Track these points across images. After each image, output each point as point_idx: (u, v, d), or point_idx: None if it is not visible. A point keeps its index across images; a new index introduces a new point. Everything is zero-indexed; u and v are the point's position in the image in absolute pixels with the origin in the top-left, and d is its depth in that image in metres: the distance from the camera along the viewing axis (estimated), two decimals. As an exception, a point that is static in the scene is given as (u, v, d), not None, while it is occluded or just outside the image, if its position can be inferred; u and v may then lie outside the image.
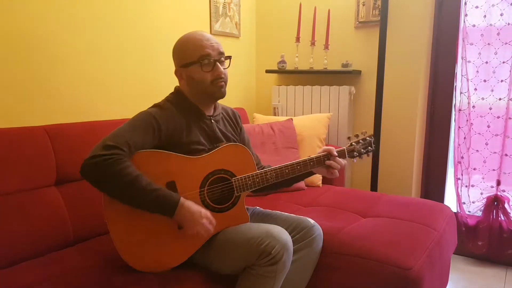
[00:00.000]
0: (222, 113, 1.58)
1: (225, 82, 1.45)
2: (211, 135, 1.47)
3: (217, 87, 1.42)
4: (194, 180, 1.36)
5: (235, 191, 1.41)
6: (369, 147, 1.58)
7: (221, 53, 1.43)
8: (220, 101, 1.54)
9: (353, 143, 1.56)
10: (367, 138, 1.58)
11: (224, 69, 1.44)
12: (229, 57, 1.48)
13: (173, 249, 1.33)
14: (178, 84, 1.51)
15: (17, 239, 1.43)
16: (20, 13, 1.63)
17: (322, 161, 1.49)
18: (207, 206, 1.38)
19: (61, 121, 1.78)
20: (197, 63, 1.39)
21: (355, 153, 1.55)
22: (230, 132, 1.57)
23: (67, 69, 1.82)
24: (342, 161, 1.50)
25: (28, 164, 1.51)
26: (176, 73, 1.47)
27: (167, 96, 1.48)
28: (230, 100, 2.84)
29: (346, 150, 1.54)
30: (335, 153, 1.49)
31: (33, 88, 1.71)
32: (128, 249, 1.29)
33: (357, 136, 1.58)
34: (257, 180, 1.43)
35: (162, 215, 1.27)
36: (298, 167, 1.47)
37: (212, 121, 1.49)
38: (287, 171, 1.46)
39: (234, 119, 1.63)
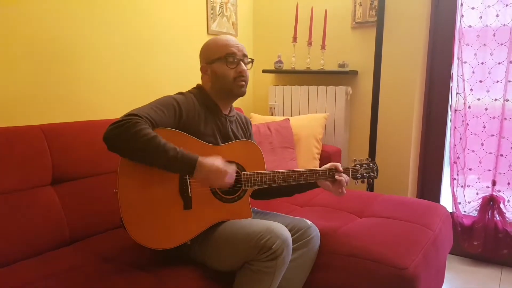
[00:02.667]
0: (236, 116, 1.64)
1: (246, 82, 1.51)
2: (224, 132, 1.52)
3: (237, 85, 1.49)
4: None
5: (243, 185, 1.45)
6: (372, 173, 1.63)
7: (245, 55, 1.51)
8: None
9: (357, 165, 1.62)
10: (371, 164, 1.64)
11: (247, 69, 1.51)
12: (252, 60, 1.56)
13: (175, 228, 1.35)
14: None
15: (13, 238, 1.42)
16: (19, 13, 1.63)
17: (327, 174, 1.54)
18: (214, 194, 1.42)
19: (58, 121, 1.77)
20: (223, 60, 1.47)
21: (358, 175, 1.61)
22: (240, 135, 1.61)
23: (64, 69, 1.82)
24: (346, 177, 1.56)
25: (24, 164, 1.51)
26: (202, 69, 1.54)
27: (189, 90, 1.54)
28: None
29: (350, 169, 1.59)
30: (341, 169, 1.54)
31: (30, 87, 1.70)
32: (132, 218, 1.30)
33: (361, 160, 1.64)
34: (265, 178, 1.47)
35: (182, 173, 1.34)
36: (304, 175, 1.51)
37: (227, 120, 1.54)
38: (293, 176, 1.50)
39: (246, 124, 1.69)
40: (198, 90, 1.54)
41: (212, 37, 1.55)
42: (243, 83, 1.50)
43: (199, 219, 1.39)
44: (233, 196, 1.45)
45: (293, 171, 1.50)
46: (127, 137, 1.23)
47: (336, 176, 1.53)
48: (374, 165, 1.65)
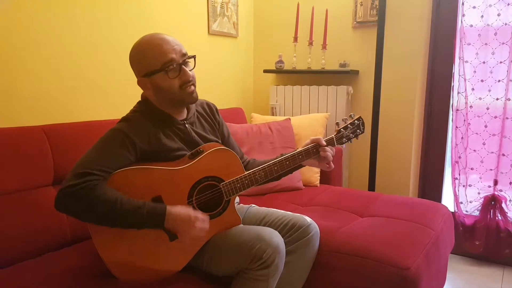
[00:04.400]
0: (196, 111, 1.50)
1: (194, 85, 1.36)
2: (187, 139, 1.40)
3: (187, 93, 1.34)
4: (180, 191, 1.32)
5: (225, 196, 1.37)
6: (358, 130, 1.52)
7: (184, 55, 1.33)
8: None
9: (341, 129, 1.50)
10: (355, 121, 1.52)
11: (190, 70, 1.34)
12: (193, 57, 1.37)
13: (165, 263, 1.29)
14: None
15: (15, 239, 1.42)
16: (17, 12, 1.63)
17: (310, 153, 1.44)
18: None
19: (59, 121, 1.78)
20: (162, 71, 1.29)
21: (344, 139, 1.50)
22: (208, 131, 1.51)
23: (64, 70, 1.82)
24: (331, 150, 1.46)
25: (26, 164, 1.51)
26: (140, 83, 1.36)
27: (134, 107, 1.40)
28: (228, 99, 2.84)
29: (334, 138, 1.48)
30: (324, 143, 1.44)
31: (31, 88, 1.70)
32: (121, 269, 1.25)
33: (345, 121, 1.53)
34: (246, 182, 1.39)
35: (153, 228, 1.24)
36: (287, 163, 1.43)
37: (186, 125, 1.42)
38: (275, 168, 1.42)
39: (211, 114, 1.56)
40: (144, 105, 1.38)
41: (139, 41, 1.34)
42: (192, 87, 1.35)
43: (188, 245, 1.33)
44: (217, 209, 1.38)
45: (273, 163, 1.41)
46: (84, 205, 1.14)
47: (321, 153, 1.44)
48: (358, 120, 1.52)
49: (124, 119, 1.34)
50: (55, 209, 1.17)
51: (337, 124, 1.52)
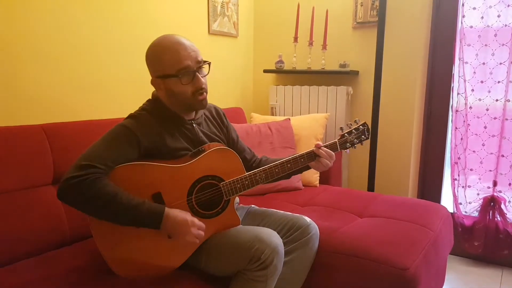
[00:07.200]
0: (204, 113, 1.53)
1: (206, 92, 1.38)
2: (194, 139, 1.43)
3: (197, 100, 1.36)
4: (180, 189, 1.33)
5: (224, 196, 1.38)
6: (363, 136, 1.52)
7: (199, 61, 1.35)
8: (213, 97, 1.49)
9: (345, 134, 1.50)
10: (360, 126, 1.52)
11: (203, 77, 1.37)
12: (208, 63, 1.40)
13: (165, 259, 1.30)
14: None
15: (14, 238, 1.42)
16: (16, 12, 1.63)
17: (313, 157, 1.46)
18: (196, 214, 1.34)
19: (59, 120, 1.78)
20: (176, 77, 1.31)
21: (347, 144, 1.50)
22: (214, 133, 1.52)
23: (64, 69, 1.82)
24: (326, 153, 1.45)
25: (25, 163, 1.51)
26: (153, 83, 1.38)
27: (143, 104, 1.42)
28: (228, 99, 2.84)
29: (337, 143, 1.49)
30: (320, 144, 1.45)
31: (30, 87, 1.71)
32: (120, 265, 1.27)
33: (349, 126, 1.52)
34: (246, 182, 1.40)
35: (148, 228, 1.24)
36: (289, 165, 1.44)
37: (194, 125, 1.44)
38: (277, 170, 1.43)
39: (219, 119, 1.58)
40: (154, 104, 1.39)
41: (157, 42, 1.35)
42: (204, 94, 1.37)
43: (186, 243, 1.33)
44: (217, 209, 1.38)
45: (275, 165, 1.42)
46: (85, 197, 1.16)
47: (314, 150, 1.44)
48: (363, 126, 1.52)
49: (131, 116, 1.36)
50: (54, 208, 1.17)
51: (341, 128, 1.52)
